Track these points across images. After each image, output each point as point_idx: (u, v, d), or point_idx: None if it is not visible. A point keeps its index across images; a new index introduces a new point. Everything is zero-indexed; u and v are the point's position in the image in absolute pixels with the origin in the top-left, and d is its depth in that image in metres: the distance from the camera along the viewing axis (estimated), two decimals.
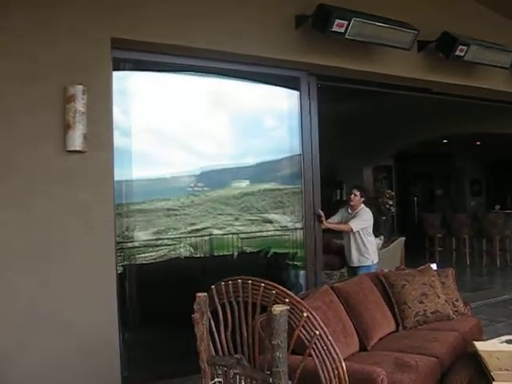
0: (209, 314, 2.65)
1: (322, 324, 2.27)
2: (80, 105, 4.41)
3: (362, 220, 6.58)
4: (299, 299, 2.32)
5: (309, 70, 6.02)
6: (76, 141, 4.41)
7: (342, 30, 5.27)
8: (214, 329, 2.66)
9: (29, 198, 4.30)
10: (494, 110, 10.08)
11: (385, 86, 7.28)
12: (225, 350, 2.63)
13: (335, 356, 2.27)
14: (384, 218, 9.98)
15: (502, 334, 5.60)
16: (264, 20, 5.45)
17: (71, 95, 4.39)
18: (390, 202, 9.96)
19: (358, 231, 6.54)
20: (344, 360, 3.67)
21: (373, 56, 6.08)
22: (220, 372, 2.62)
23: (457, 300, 5.06)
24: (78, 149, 4.41)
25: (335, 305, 4.05)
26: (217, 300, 2.62)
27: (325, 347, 2.27)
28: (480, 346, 3.80)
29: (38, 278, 4.30)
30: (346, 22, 5.23)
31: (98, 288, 4.55)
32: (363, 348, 4.14)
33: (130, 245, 5.54)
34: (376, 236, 8.40)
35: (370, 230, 6.70)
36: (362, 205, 6.74)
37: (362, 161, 14.67)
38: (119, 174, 5.02)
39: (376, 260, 6.69)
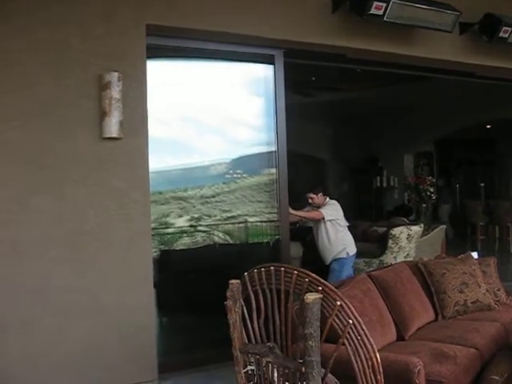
0: (242, 301, 2.62)
1: (355, 313, 2.22)
2: (116, 92, 4.42)
3: (333, 210, 6.21)
4: (332, 287, 2.26)
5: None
6: (112, 128, 4.42)
7: (381, 12, 5.16)
8: (246, 316, 2.62)
9: (66, 186, 4.35)
10: None
11: (426, 70, 7.13)
12: (257, 337, 2.59)
13: (369, 346, 2.22)
14: (424, 205, 9.78)
15: None
16: (300, 4, 5.36)
17: (107, 82, 4.40)
18: (431, 189, 9.75)
19: (329, 223, 6.12)
20: (380, 350, 3.67)
21: (413, 39, 5.92)
22: (253, 360, 2.59)
23: (498, 289, 4.92)
24: (114, 136, 4.43)
25: (372, 293, 3.97)
26: (250, 287, 2.58)
27: (358, 337, 2.22)
28: None
29: (75, 264, 4.36)
30: (384, 5, 5.10)
31: (135, 274, 4.58)
32: (401, 338, 4.05)
33: (168, 231, 5.59)
34: (415, 223, 8.28)
35: (342, 221, 6.27)
36: (327, 198, 6.37)
37: (403, 147, 14.48)
38: (156, 162, 5.05)
39: (353, 252, 6.29)
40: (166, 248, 5.58)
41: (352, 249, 6.26)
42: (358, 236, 9.44)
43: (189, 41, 5.11)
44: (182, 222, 5.55)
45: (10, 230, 4.17)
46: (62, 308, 4.29)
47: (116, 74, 4.42)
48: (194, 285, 5.78)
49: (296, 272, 2.33)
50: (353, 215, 15.12)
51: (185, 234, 5.75)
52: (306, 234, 7.21)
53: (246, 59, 5.59)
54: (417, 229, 7.49)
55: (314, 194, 6.29)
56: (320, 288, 2.24)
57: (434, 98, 12.41)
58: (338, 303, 2.22)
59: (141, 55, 4.66)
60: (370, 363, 2.22)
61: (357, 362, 2.23)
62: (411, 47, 5.98)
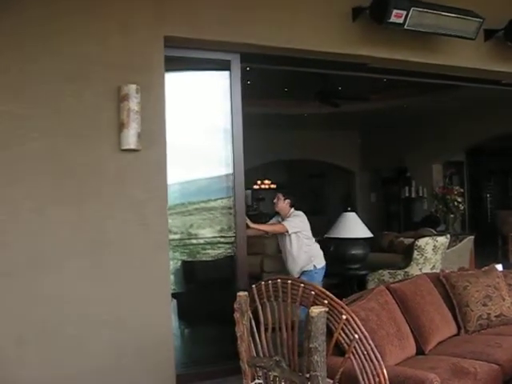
0: (250, 313, 2.58)
1: (362, 327, 2.16)
2: (134, 104, 4.44)
3: (298, 221, 5.84)
4: (339, 301, 2.21)
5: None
6: (130, 139, 4.44)
7: (401, 20, 5.09)
8: (254, 329, 2.58)
9: (85, 197, 4.38)
10: None
11: (450, 79, 7.01)
12: (265, 351, 2.55)
13: (376, 362, 2.16)
14: (452, 215, 9.60)
15: None
16: (321, 13, 5.33)
17: (125, 94, 4.43)
18: (459, 199, 9.57)
19: (294, 235, 5.78)
20: (398, 364, 3.60)
21: (435, 47, 5.83)
22: (260, 373, 2.55)
23: None
24: (132, 147, 4.45)
25: (390, 306, 3.89)
26: (257, 300, 2.55)
27: (365, 352, 2.16)
28: None
29: (94, 275, 4.38)
30: (404, 12, 5.03)
31: (153, 285, 4.58)
32: (421, 352, 3.96)
33: (194, 241, 5.61)
34: (442, 234, 8.13)
35: (308, 233, 5.92)
36: (293, 209, 5.98)
37: (432, 157, 14.32)
38: (178, 174, 5.07)
39: (320, 264, 5.88)
40: (190, 259, 5.60)
41: (319, 261, 5.89)
42: (385, 247, 9.41)
43: (208, 52, 5.14)
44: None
45: (31, 241, 4.22)
46: (81, 319, 4.31)
47: (134, 86, 4.44)
48: (215, 296, 5.77)
49: (302, 285, 2.29)
50: (381, 226, 15.06)
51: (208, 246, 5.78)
52: (328, 245, 7.13)
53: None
54: (443, 240, 7.35)
55: (283, 196, 5.98)
56: (326, 301, 2.20)
57: (464, 106, 12.25)
58: (344, 317, 2.16)
59: (159, 67, 4.68)
60: (377, 379, 2.16)
61: (363, 378, 2.17)
62: (434, 55, 5.89)
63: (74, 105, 4.36)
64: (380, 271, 7.16)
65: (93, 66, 4.42)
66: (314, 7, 5.29)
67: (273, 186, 19.36)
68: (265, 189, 19.41)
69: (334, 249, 6.93)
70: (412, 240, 7.67)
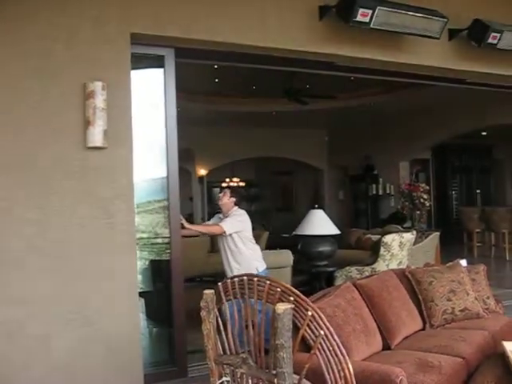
0: (216, 311, 2.58)
1: (327, 323, 2.18)
2: (99, 101, 4.41)
3: (236, 221, 5.49)
4: (304, 297, 2.23)
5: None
6: (96, 137, 4.41)
7: (367, 19, 5.14)
8: (221, 327, 2.58)
9: (49, 195, 4.33)
10: None
11: (416, 77, 7.11)
12: (232, 348, 2.55)
13: (341, 357, 2.17)
14: (418, 212, 9.74)
15: None
16: (288, 11, 5.35)
17: (90, 91, 4.40)
18: (425, 196, 9.70)
19: (235, 235, 5.43)
20: (365, 359, 3.64)
21: (401, 46, 5.91)
22: (228, 371, 2.55)
23: (488, 297, 4.87)
24: (98, 145, 4.42)
25: (357, 302, 3.93)
26: (224, 297, 2.55)
27: (330, 347, 2.18)
28: (510, 346, 3.64)
29: (60, 274, 4.35)
30: (370, 12, 5.09)
31: (120, 283, 4.56)
32: (387, 347, 4.01)
33: (159, 241, 5.55)
34: (407, 231, 8.24)
35: (249, 234, 5.60)
36: (236, 207, 5.67)
37: (399, 154, 14.51)
38: (145, 172, 5.05)
39: (262, 267, 5.53)
40: (157, 258, 5.56)
41: (261, 264, 5.56)
42: (353, 244, 9.49)
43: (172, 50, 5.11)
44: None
45: None
46: (47, 318, 4.27)
47: (100, 83, 4.41)
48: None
49: (268, 282, 2.30)
50: (349, 223, 15.20)
51: None
52: (297, 242, 7.17)
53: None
54: (409, 236, 7.45)
55: (230, 193, 5.69)
56: (292, 298, 2.21)
57: (430, 104, 12.45)
58: (310, 313, 2.18)
59: (125, 64, 4.65)
60: (342, 374, 2.18)
61: (329, 373, 2.19)
62: (400, 54, 5.96)
63: (38, 101, 4.31)
64: (348, 268, 7.22)
65: (58, 62, 4.38)
66: (281, 5, 5.31)
67: (241, 183, 19.37)
68: (233, 186, 19.39)
69: (302, 246, 6.97)
70: (379, 237, 7.75)
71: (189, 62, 5.73)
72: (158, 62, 5.14)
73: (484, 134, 15.12)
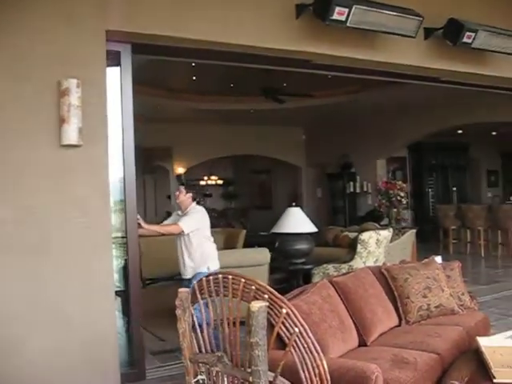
0: (191, 309, 2.57)
1: (302, 321, 2.18)
2: (74, 99, 4.36)
3: (194, 220, 5.43)
4: (279, 295, 2.23)
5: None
6: (71, 135, 4.36)
7: (343, 18, 5.15)
8: (196, 325, 2.58)
9: (23, 194, 4.27)
10: (508, 98, 9.88)
11: (392, 75, 7.16)
12: (207, 347, 2.55)
13: (316, 354, 2.18)
14: (395, 210, 9.82)
15: None
16: (265, 10, 5.34)
17: (65, 89, 4.35)
18: (402, 194, 9.79)
19: (190, 235, 5.39)
20: (341, 356, 3.66)
21: (377, 44, 5.94)
22: (203, 369, 2.54)
23: (463, 294, 4.93)
24: (72, 143, 4.37)
25: (333, 299, 3.95)
26: (199, 296, 2.54)
27: (305, 345, 2.19)
28: (484, 341, 3.68)
29: (35, 273, 4.28)
30: (346, 10, 5.10)
31: (96, 283, 4.52)
32: (363, 343, 4.03)
33: None
34: (384, 228, 8.30)
35: (207, 232, 5.57)
36: (194, 203, 5.64)
37: (376, 152, 14.62)
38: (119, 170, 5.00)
39: (215, 267, 5.45)
40: None
41: (214, 263, 5.51)
42: (330, 242, 9.54)
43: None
44: None
45: None
46: (22, 318, 4.21)
47: (74, 80, 4.36)
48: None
49: (243, 280, 2.30)
50: (327, 221, 15.27)
51: None
52: (275, 240, 7.18)
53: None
54: (386, 233, 7.50)
55: (182, 188, 5.65)
56: (266, 296, 2.21)
57: (407, 103, 12.55)
58: (284, 311, 2.18)
59: (100, 62, 4.60)
60: (316, 371, 2.19)
61: (303, 371, 2.20)
62: (376, 52, 6.00)
63: (12, 99, 4.25)
64: (325, 265, 7.26)
65: (32, 60, 4.32)
66: (257, 3, 5.30)
67: (219, 181, 19.38)
68: (212, 185, 19.42)
69: (279, 244, 6.98)
70: (356, 234, 7.80)
71: (164, 59, 5.66)
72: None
73: (460, 132, 15.29)
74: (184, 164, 15.80)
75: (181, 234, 5.36)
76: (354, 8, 5.15)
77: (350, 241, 8.25)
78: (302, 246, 6.85)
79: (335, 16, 5.11)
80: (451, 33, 6.19)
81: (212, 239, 5.63)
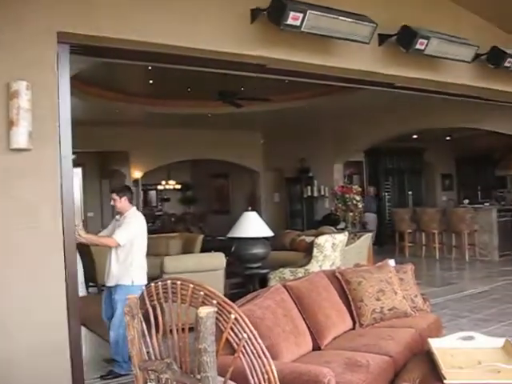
0: (140, 316, 2.53)
1: (251, 326, 2.17)
2: (24, 101, 4.24)
3: (129, 231, 5.27)
4: (228, 300, 2.21)
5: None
6: (20, 138, 4.24)
7: (298, 23, 5.16)
8: (146, 332, 2.54)
9: None
10: (461, 104, 10.11)
11: (347, 81, 7.23)
12: (157, 354, 2.51)
13: (265, 360, 2.17)
14: (351, 213, 9.91)
15: (464, 330, 5.61)
16: (219, 14, 5.32)
17: (14, 91, 4.23)
18: (357, 198, 9.89)
19: (124, 245, 5.24)
20: (294, 360, 3.66)
21: (332, 50, 5.97)
22: (153, 377, 2.50)
23: (416, 296, 5.00)
24: (22, 147, 4.25)
25: (287, 303, 3.95)
26: (148, 302, 2.50)
27: (254, 350, 2.17)
28: (435, 343, 3.74)
29: None
30: (301, 15, 5.11)
31: (46, 291, 4.39)
32: (317, 347, 4.05)
33: None
34: (340, 232, 8.37)
35: (142, 242, 5.39)
36: (132, 209, 5.46)
37: (333, 157, 14.75)
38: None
39: (140, 282, 5.21)
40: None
41: (140, 277, 5.31)
42: (287, 246, 9.57)
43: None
44: None
45: None
46: None
47: (24, 82, 4.25)
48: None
49: (192, 285, 2.27)
50: (284, 225, 15.33)
51: None
52: (232, 245, 7.16)
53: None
54: (341, 237, 7.56)
55: (115, 197, 5.41)
56: (215, 301, 2.18)
57: (363, 107, 12.71)
58: (233, 316, 2.16)
59: (51, 64, 4.51)
60: (266, 377, 2.17)
61: (252, 376, 2.18)
62: (331, 58, 6.03)
63: None
64: (281, 269, 7.28)
65: None
66: (212, 7, 5.27)
67: (177, 186, 19.27)
68: (170, 189, 19.30)
69: (235, 248, 6.96)
70: (313, 238, 7.84)
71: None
72: None
73: (415, 137, 15.55)
74: (141, 168, 15.65)
75: (117, 246, 5.23)
76: (308, 13, 5.17)
77: (306, 245, 8.29)
78: (258, 250, 6.84)
79: (290, 21, 5.12)
80: (404, 39, 6.27)
81: (144, 251, 5.42)
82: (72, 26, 4.59)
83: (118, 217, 5.51)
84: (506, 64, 7.24)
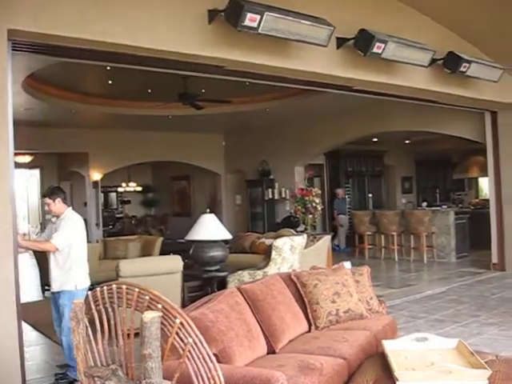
0: (86, 321, 2.47)
1: (196, 331, 2.13)
2: None
3: (66, 234, 5.03)
4: (173, 305, 2.16)
5: None
6: None
7: (255, 24, 5.16)
8: (91, 337, 2.47)
9: None
10: (418, 108, 10.26)
11: (306, 84, 7.25)
12: (103, 360, 2.45)
13: (211, 365, 2.13)
14: (311, 216, 9.93)
15: (421, 331, 5.67)
16: (177, 14, 5.27)
17: None
18: (317, 200, 9.92)
19: (63, 249, 5.03)
20: (248, 364, 3.62)
21: (290, 52, 6.00)
22: (99, 383, 2.44)
23: (371, 298, 5.02)
24: None
25: (241, 307, 3.91)
26: (93, 307, 2.44)
27: (200, 355, 2.13)
28: (389, 345, 3.75)
29: None
30: (258, 17, 5.11)
31: None
32: (272, 351, 4.02)
33: None
34: (298, 234, 8.38)
35: (81, 244, 5.19)
36: (68, 210, 5.22)
37: (294, 159, 14.80)
38: None
39: (83, 286, 5.08)
40: None
41: (83, 281, 5.14)
42: (247, 248, 9.54)
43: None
44: None
45: None
46: None
47: None
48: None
49: (137, 289, 2.22)
50: (246, 227, 15.31)
51: None
52: (188, 247, 7.10)
53: None
54: (300, 240, 7.57)
55: (50, 199, 5.15)
56: (160, 306, 2.14)
57: (323, 110, 12.80)
58: (178, 321, 2.12)
59: (2, 62, 4.39)
60: (212, 382, 2.13)
61: (198, 382, 2.14)
62: (289, 60, 6.05)
63: None
64: (240, 272, 7.24)
65: None
66: (170, 8, 5.22)
67: (138, 188, 19.08)
68: (130, 191, 19.10)
69: (194, 251, 6.89)
70: (272, 241, 7.83)
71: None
72: None
73: (375, 140, 15.72)
74: (101, 170, 15.44)
75: (56, 251, 5.03)
76: (265, 15, 5.16)
77: (266, 247, 8.28)
78: (216, 253, 6.79)
79: (247, 22, 5.11)
80: (362, 43, 6.33)
81: (85, 252, 5.24)
82: (24, 23, 4.49)
83: (54, 219, 5.27)
84: (462, 69, 7.38)
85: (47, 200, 5.16)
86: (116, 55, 5.37)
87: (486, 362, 3.34)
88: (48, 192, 5.23)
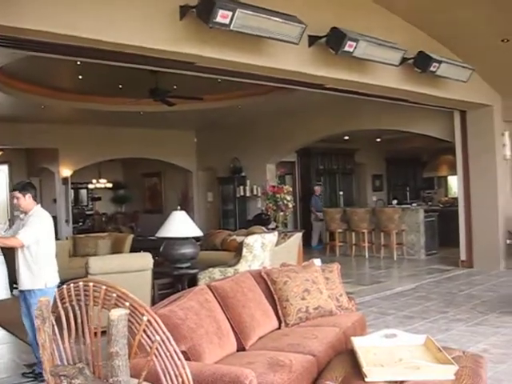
0: (52, 319, 2.43)
1: (164, 328, 2.11)
2: None
3: (33, 230, 4.92)
4: (141, 302, 2.15)
5: None
6: None
7: (227, 21, 5.14)
8: (58, 336, 2.44)
9: None
10: (389, 107, 10.35)
11: (278, 81, 7.26)
12: (69, 358, 2.42)
13: (178, 362, 2.12)
14: (282, 213, 9.96)
15: (390, 327, 5.72)
16: (147, 9, 5.22)
17: None
18: (288, 198, 9.95)
19: (30, 246, 4.92)
20: (218, 362, 3.61)
21: (262, 49, 6.00)
22: (65, 382, 2.41)
23: (341, 295, 5.04)
24: None
25: (211, 304, 3.90)
26: (60, 304, 2.40)
27: (167, 353, 2.12)
28: (358, 341, 3.78)
29: None
30: (230, 13, 5.10)
31: None
32: (242, 348, 4.01)
33: None
34: (269, 232, 8.39)
35: (49, 242, 5.09)
36: (36, 207, 5.12)
37: (266, 157, 14.83)
38: None
39: (53, 284, 5.01)
40: None
41: (53, 280, 5.06)
42: (218, 246, 9.54)
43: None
44: None
45: None
46: None
47: None
48: None
49: (104, 287, 2.20)
50: (217, 225, 15.28)
51: None
52: (159, 244, 7.05)
53: None
54: (271, 237, 7.58)
55: (18, 195, 5.04)
56: (127, 303, 2.12)
57: (294, 108, 12.84)
58: (145, 319, 2.10)
59: None
60: (180, 380, 2.12)
61: (166, 379, 2.13)
62: (261, 57, 6.05)
63: None
64: (211, 269, 7.22)
65: None
66: (141, 2, 5.17)
67: (109, 184, 18.91)
68: (101, 188, 18.92)
69: (164, 248, 6.85)
70: (243, 238, 7.82)
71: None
72: None
73: (346, 138, 15.83)
74: (71, 166, 15.26)
75: (23, 247, 4.91)
76: (237, 12, 5.15)
77: (237, 245, 8.27)
78: (187, 250, 6.75)
79: (219, 19, 5.09)
80: (334, 41, 6.36)
81: (53, 250, 5.14)
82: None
83: (22, 216, 5.15)
84: (432, 68, 7.47)
85: (17, 194, 5.04)
86: (84, 50, 5.31)
87: (453, 358, 3.39)
88: (19, 186, 5.12)
